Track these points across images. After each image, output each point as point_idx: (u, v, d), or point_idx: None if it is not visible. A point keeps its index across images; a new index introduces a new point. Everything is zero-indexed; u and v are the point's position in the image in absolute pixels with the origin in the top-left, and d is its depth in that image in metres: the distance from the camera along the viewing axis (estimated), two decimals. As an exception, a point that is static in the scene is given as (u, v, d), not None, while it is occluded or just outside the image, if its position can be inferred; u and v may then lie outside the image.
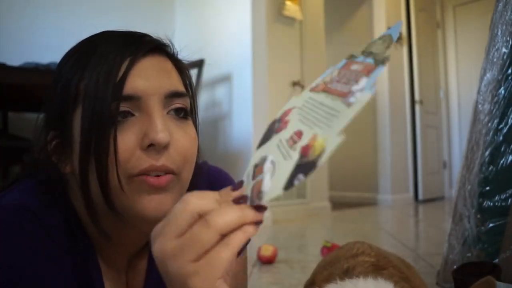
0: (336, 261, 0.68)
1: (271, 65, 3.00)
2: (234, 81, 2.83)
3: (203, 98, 2.99)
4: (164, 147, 0.47)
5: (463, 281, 0.95)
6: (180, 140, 0.50)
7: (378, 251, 0.71)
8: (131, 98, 0.47)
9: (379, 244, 0.81)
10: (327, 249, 1.75)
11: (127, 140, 0.47)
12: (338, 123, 0.35)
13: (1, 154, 2.04)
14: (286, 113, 0.42)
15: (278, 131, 0.40)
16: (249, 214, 0.34)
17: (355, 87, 0.37)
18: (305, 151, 0.35)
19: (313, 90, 0.42)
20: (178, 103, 0.51)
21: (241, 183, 0.36)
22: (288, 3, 3.21)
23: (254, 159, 0.39)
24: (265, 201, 0.34)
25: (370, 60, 0.41)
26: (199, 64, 2.55)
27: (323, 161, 0.33)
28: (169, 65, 0.53)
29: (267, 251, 1.65)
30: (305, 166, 0.34)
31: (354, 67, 0.41)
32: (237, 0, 2.83)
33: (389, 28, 0.45)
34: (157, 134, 0.46)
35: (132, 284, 0.59)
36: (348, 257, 0.67)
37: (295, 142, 0.37)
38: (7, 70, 1.78)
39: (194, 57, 2.60)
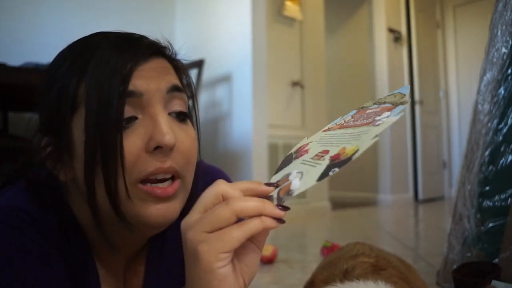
0: (336, 262, 0.69)
1: (271, 65, 3.00)
2: (234, 81, 2.83)
3: (203, 98, 2.99)
4: (170, 149, 0.47)
5: (463, 281, 0.95)
6: (184, 142, 0.50)
7: (378, 252, 0.71)
8: (133, 94, 0.47)
9: (379, 244, 0.82)
10: (327, 249, 1.75)
11: (132, 144, 0.46)
12: (368, 135, 0.40)
13: (1, 154, 2.04)
14: (302, 148, 0.46)
15: (298, 157, 0.44)
16: (268, 206, 0.36)
17: (378, 117, 0.42)
18: (335, 157, 0.39)
19: (327, 130, 0.47)
20: (177, 101, 0.51)
21: (272, 184, 0.39)
22: (288, 3, 3.21)
23: (274, 178, 0.42)
24: (295, 194, 0.37)
25: (387, 105, 0.46)
26: (199, 64, 2.55)
27: (357, 156, 0.38)
28: (167, 65, 0.53)
29: (267, 251, 1.66)
30: (338, 162, 0.38)
31: (370, 111, 0.46)
32: (237, 0, 2.82)
33: (397, 90, 0.49)
34: (164, 136, 0.46)
35: (130, 286, 0.59)
36: (348, 258, 0.68)
37: (322, 157, 0.41)
38: (8, 70, 1.78)
39: (194, 57, 2.60)
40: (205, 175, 0.63)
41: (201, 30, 3.16)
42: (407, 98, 0.45)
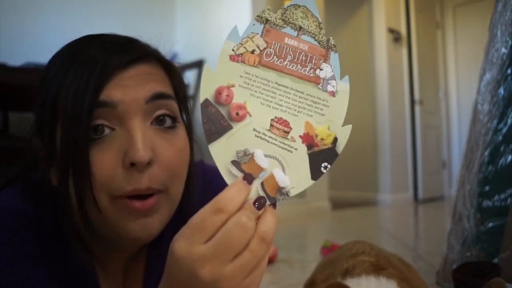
0: (336, 261, 0.69)
1: (271, 65, 3.00)
2: (234, 81, 2.83)
3: (203, 98, 2.98)
4: (148, 164, 0.45)
5: (462, 281, 0.95)
6: (166, 155, 0.47)
7: (378, 251, 0.71)
8: (106, 105, 0.45)
9: (379, 244, 0.82)
10: (327, 249, 1.75)
11: (106, 159, 0.44)
12: (336, 115, 0.37)
13: (1, 154, 2.04)
14: (226, 98, 0.38)
15: (236, 119, 0.37)
16: (276, 214, 0.35)
17: (321, 74, 0.39)
18: (308, 140, 0.37)
19: (239, 61, 0.39)
20: (161, 110, 0.48)
21: (251, 177, 0.36)
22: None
23: (224, 155, 0.37)
24: (293, 194, 0.36)
25: (308, 38, 0.41)
26: (199, 64, 2.55)
27: (341, 149, 0.37)
28: (153, 70, 0.50)
29: (267, 251, 1.65)
30: (325, 154, 0.36)
31: (292, 42, 0.40)
32: (237, 0, 2.83)
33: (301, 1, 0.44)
34: (136, 153, 0.43)
35: (129, 287, 0.59)
36: (348, 257, 0.68)
37: (286, 132, 0.37)
38: (8, 70, 1.78)
39: (194, 57, 2.60)
40: (204, 176, 0.63)
41: (201, 30, 3.16)
42: (332, 40, 0.40)
